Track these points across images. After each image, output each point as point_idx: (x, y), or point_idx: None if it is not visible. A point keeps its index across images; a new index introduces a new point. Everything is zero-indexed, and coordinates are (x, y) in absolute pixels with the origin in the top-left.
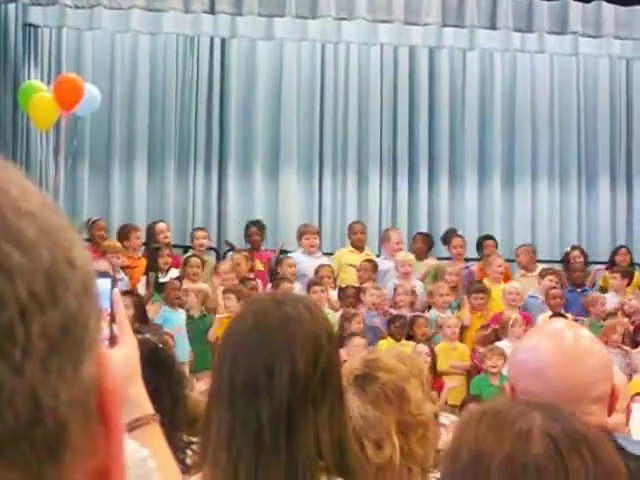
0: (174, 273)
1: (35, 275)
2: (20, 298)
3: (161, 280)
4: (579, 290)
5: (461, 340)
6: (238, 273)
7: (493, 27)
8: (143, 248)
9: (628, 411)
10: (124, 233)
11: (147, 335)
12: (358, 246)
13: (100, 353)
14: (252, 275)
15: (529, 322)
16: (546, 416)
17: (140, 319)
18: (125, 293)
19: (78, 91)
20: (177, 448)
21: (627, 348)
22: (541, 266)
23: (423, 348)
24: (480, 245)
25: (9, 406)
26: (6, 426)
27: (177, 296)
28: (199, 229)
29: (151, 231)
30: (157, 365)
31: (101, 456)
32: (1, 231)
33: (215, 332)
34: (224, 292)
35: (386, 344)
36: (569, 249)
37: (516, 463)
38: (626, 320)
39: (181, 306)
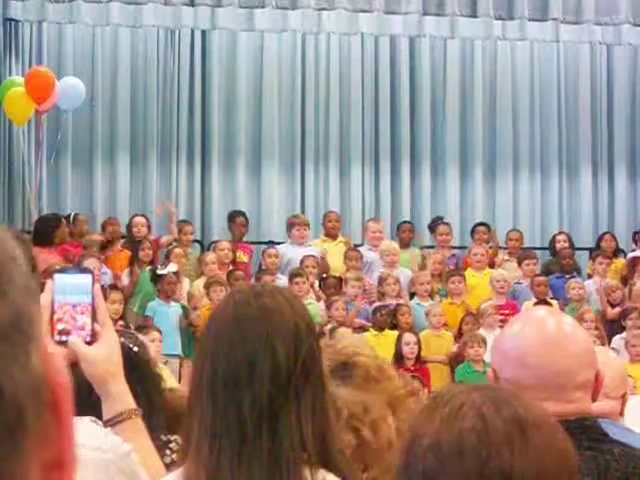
0: (173, 267)
1: None
2: None
3: (159, 272)
4: (568, 277)
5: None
6: (223, 261)
7: (474, 15)
8: (123, 240)
9: (624, 400)
10: (104, 226)
11: (121, 339)
12: (332, 234)
13: (45, 349)
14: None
15: (515, 310)
16: (483, 395)
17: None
18: (112, 287)
19: (49, 84)
20: (155, 448)
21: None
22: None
23: (411, 338)
24: (472, 232)
25: None
26: None
27: (173, 290)
28: (186, 223)
29: (130, 224)
30: (132, 370)
31: (54, 448)
32: None
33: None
34: (210, 285)
35: (369, 335)
36: (557, 232)
37: (444, 440)
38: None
39: (176, 300)
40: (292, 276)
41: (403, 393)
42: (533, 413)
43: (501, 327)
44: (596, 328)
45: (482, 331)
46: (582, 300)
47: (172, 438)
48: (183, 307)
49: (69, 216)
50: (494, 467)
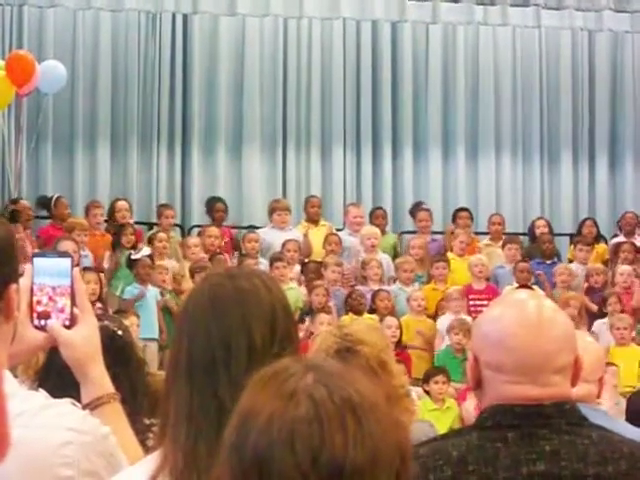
0: (146, 251)
1: None
2: None
3: (133, 257)
4: (548, 262)
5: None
6: (210, 246)
7: (456, 0)
8: (105, 225)
9: (601, 383)
10: (87, 210)
11: (105, 322)
12: (314, 219)
13: None
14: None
15: (494, 295)
16: (317, 379)
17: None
18: (88, 269)
19: (30, 68)
20: (138, 431)
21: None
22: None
23: (392, 321)
24: (455, 217)
25: None
26: None
27: (148, 273)
28: (166, 207)
29: (113, 209)
30: (115, 353)
31: None
32: None
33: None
34: (195, 270)
35: (348, 319)
36: (536, 218)
37: (276, 424)
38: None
39: (152, 283)
40: (272, 260)
41: (402, 392)
42: (368, 397)
43: (473, 312)
44: (579, 314)
45: (448, 315)
46: (570, 286)
47: (155, 422)
48: (171, 293)
49: (51, 198)
50: (326, 456)
